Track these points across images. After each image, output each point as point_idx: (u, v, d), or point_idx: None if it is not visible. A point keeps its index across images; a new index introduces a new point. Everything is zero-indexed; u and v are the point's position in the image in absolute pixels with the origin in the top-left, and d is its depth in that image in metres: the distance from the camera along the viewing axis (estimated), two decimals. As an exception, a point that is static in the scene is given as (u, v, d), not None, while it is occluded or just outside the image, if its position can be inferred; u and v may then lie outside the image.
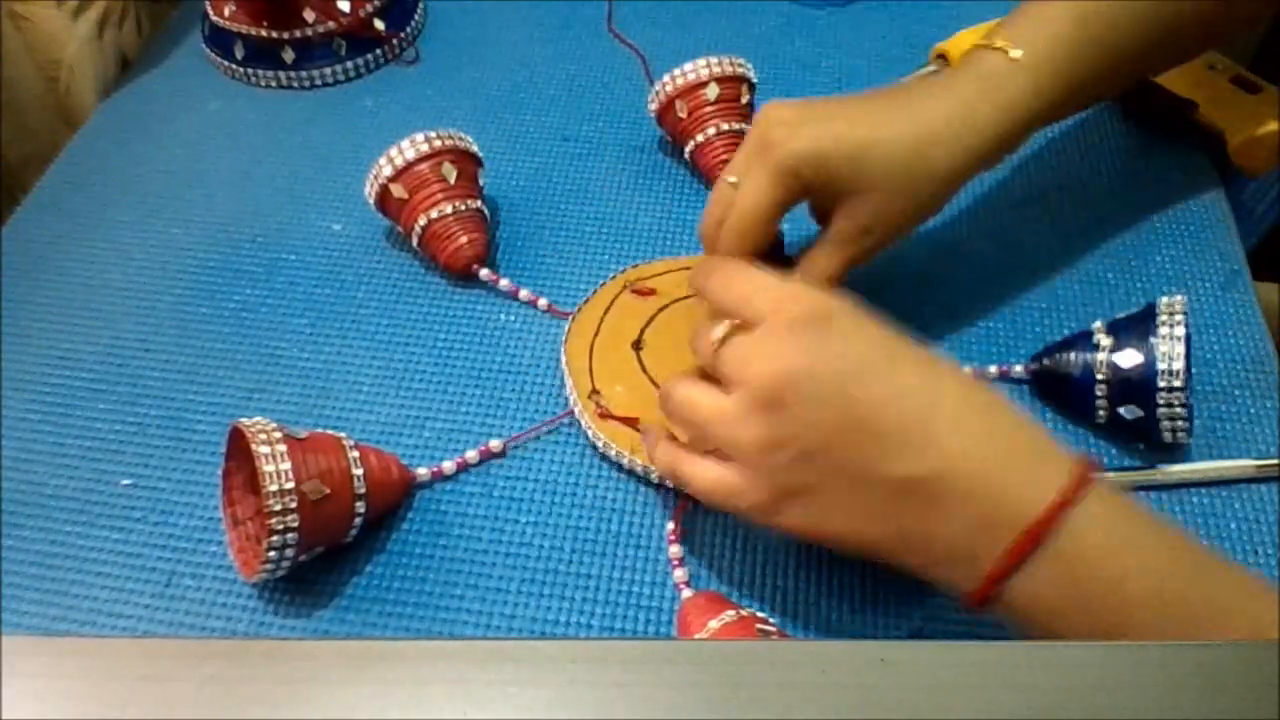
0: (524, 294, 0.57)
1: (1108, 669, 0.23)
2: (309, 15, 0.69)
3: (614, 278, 0.56)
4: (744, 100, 0.61)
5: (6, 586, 0.46)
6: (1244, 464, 0.48)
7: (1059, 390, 0.50)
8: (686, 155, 0.62)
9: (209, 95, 0.70)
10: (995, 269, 0.57)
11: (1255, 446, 0.50)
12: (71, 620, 0.45)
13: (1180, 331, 0.46)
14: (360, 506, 0.45)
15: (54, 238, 0.61)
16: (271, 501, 0.42)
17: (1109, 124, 0.65)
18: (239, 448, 0.45)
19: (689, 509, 0.48)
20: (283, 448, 0.43)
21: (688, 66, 0.60)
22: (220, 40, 0.71)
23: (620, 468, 0.49)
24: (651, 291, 0.55)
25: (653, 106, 0.62)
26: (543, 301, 0.56)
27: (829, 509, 0.39)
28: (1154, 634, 0.35)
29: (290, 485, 0.42)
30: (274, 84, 0.70)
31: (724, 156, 0.60)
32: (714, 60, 0.60)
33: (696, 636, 0.41)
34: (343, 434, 0.47)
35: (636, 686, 0.23)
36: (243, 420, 0.44)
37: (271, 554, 0.42)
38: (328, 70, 0.70)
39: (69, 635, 0.44)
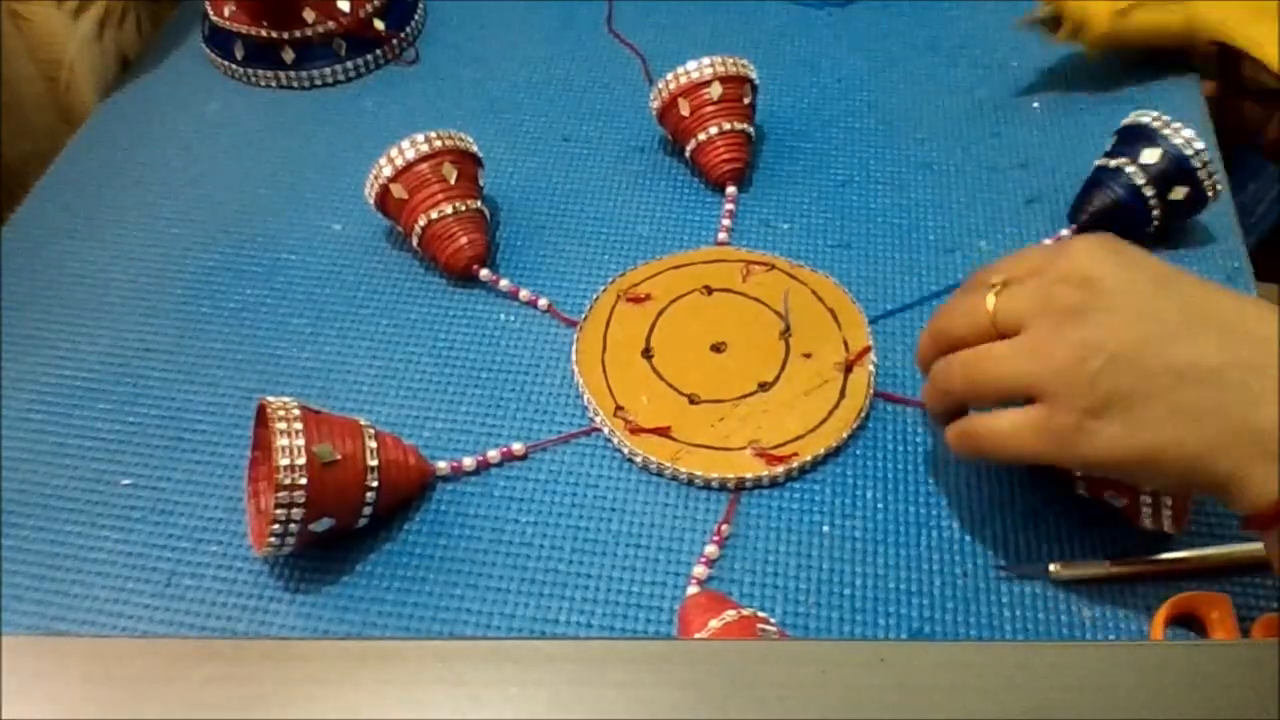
0: (524, 294, 0.57)
1: (1108, 669, 0.23)
2: (309, 15, 0.69)
3: (605, 289, 0.56)
4: (746, 100, 0.61)
5: (6, 586, 0.46)
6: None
7: (1114, 221, 0.56)
8: (687, 154, 0.62)
9: (209, 95, 0.70)
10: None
11: (1255, 446, 0.50)
12: (71, 620, 0.45)
13: (1165, 118, 0.55)
14: (373, 481, 0.45)
15: (54, 237, 0.61)
16: (280, 458, 0.42)
17: (1108, 125, 0.65)
18: (263, 434, 0.45)
19: (737, 509, 0.48)
20: (297, 411, 0.44)
21: (691, 65, 0.60)
22: (220, 40, 0.71)
23: (651, 474, 0.49)
24: (646, 297, 0.55)
25: (655, 104, 0.62)
26: (543, 302, 0.56)
27: (1145, 418, 0.36)
28: None
29: (300, 443, 0.43)
30: (274, 84, 0.70)
31: (725, 155, 0.60)
32: (718, 60, 0.60)
33: (696, 636, 0.41)
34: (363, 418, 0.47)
35: (636, 686, 0.23)
36: (269, 398, 0.45)
37: (279, 513, 0.42)
38: (328, 70, 0.70)
39: (69, 635, 0.44)
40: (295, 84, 0.70)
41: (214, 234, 0.61)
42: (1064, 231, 0.58)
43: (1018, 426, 0.39)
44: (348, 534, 0.46)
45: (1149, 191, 0.55)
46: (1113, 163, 0.56)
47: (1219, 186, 0.55)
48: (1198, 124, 0.61)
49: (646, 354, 0.53)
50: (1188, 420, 0.35)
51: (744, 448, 0.49)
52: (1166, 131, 0.55)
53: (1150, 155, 0.55)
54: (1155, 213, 0.56)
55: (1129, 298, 0.37)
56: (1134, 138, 0.56)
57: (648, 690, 0.23)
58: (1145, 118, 0.56)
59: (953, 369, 0.41)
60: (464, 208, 0.56)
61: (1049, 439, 0.38)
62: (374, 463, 0.45)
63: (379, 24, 0.71)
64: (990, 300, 0.40)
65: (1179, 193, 0.55)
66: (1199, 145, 0.54)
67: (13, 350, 0.55)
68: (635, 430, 0.50)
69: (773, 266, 0.57)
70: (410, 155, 0.55)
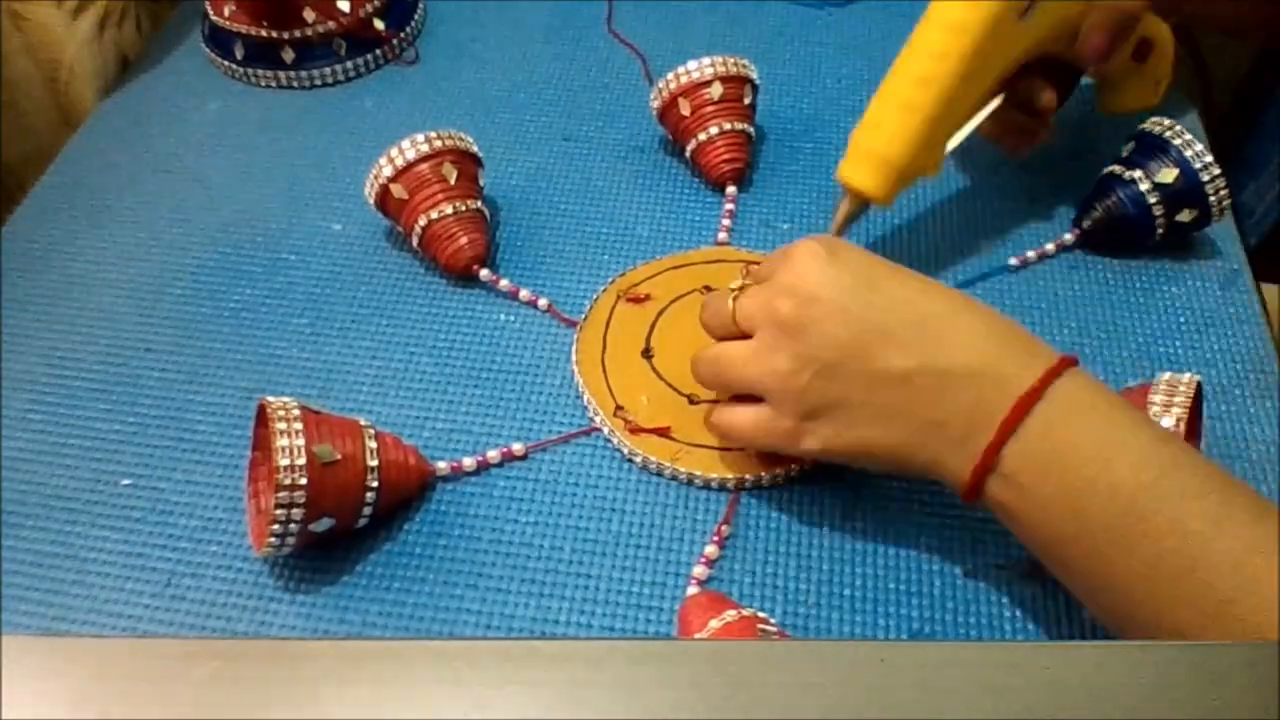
0: (524, 294, 0.57)
1: (1108, 669, 0.23)
2: (309, 15, 0.69)
3: (605, 289, 0.56)
4: (746, 101, 0.61)
5: (6, 586, 0.46)
6: None
7: (1117, 231, 0.57)
8: (687, 154, 0.62)
9: (209, 95, 0.70)
10: (1009, 287, 0.58)
11: (1255, 447, 0.50)
12: (71, 620, 0.45)
13: (1181, 130, 0.55)
14: (373, 481, 0.45)
15: (54, 237, 0.61)
16: (280, 458, 0.42)
17: (1109, 126, 0.65)
18: (263, 434, 0.45)
19: (738, 509, 0.48)
20: (297, 411, 0.44)
21: (692, 65, 0.60)
22: (220, 40, 0.71)
23: (651, 474, 0.49)
24: (646, 297, 0.55)
25: (655, 104, 0.62)
26: (543, 302, 0.56)
27: (851, 419, 0.42)
28: (1137, 487, 0.37)
29: (300, 443, 0.43)
30: (274, 84, 0.70)
31: (725, 155, 0.60)
32: (718, 60, 0.60)
33: (696, 636, 0.41)
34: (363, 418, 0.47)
35: (636, 686, 0.23)
36: (269, 398, 0.45)
37: (279, 513, 0.42)
38: (328, 70, 0.70)
39: (69, 635, 0.44)
40: (295, 84, 0.70)
41: (214, 234, 0.61)
42: (1066, 236, 0.58)
43: (751, 422, 0.45)
44: (348, 534, 0.46)
45: (1158, 210, 0.55)
46: (1126, 174, 0.56)
47: (1225, 206, 0.55)
48: (1194, 127, 0.61)
49: (646, 354, 0.53)
50: (885, 420, 0.41)
51: (744, 448, 0.49)
52: (1184, 148, 0.54)
53: (1166, 175, 0.54)
54: (1159, 231, 0.56)
55: (837, 310, 0.41)
56: (1150, 149, 0.55)
57: (648, 690, 0.23)
58: (1161, 128, 0.56)
59: (703, 363, 0.47)
60: (464, 208, 0.56)
61: (776, 436, 0.44)
62: (374, 463, 0.45)
63: (379, 24, 0.71)
64: (729, 304, 0.45)
65: (1187, 215, 0.55)
66: (1215, 170, 0.54)
67: (12, 350, 0.55)
68: (635, 430, 0.50)
69: (773, 266, 0.57)
70: (410, 155, 0.55)
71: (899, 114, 0.50)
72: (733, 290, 0.45)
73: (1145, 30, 0.55)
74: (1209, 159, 0.54)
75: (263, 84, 0.70)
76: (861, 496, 0.48)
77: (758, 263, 0.57)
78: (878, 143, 0.50)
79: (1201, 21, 0.65)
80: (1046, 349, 0.41)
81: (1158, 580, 0.36)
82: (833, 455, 0.44)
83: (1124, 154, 0.57)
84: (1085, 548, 0.38)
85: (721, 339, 0.46)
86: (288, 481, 0.42)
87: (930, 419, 0.40)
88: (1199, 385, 0.44)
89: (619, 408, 0.50)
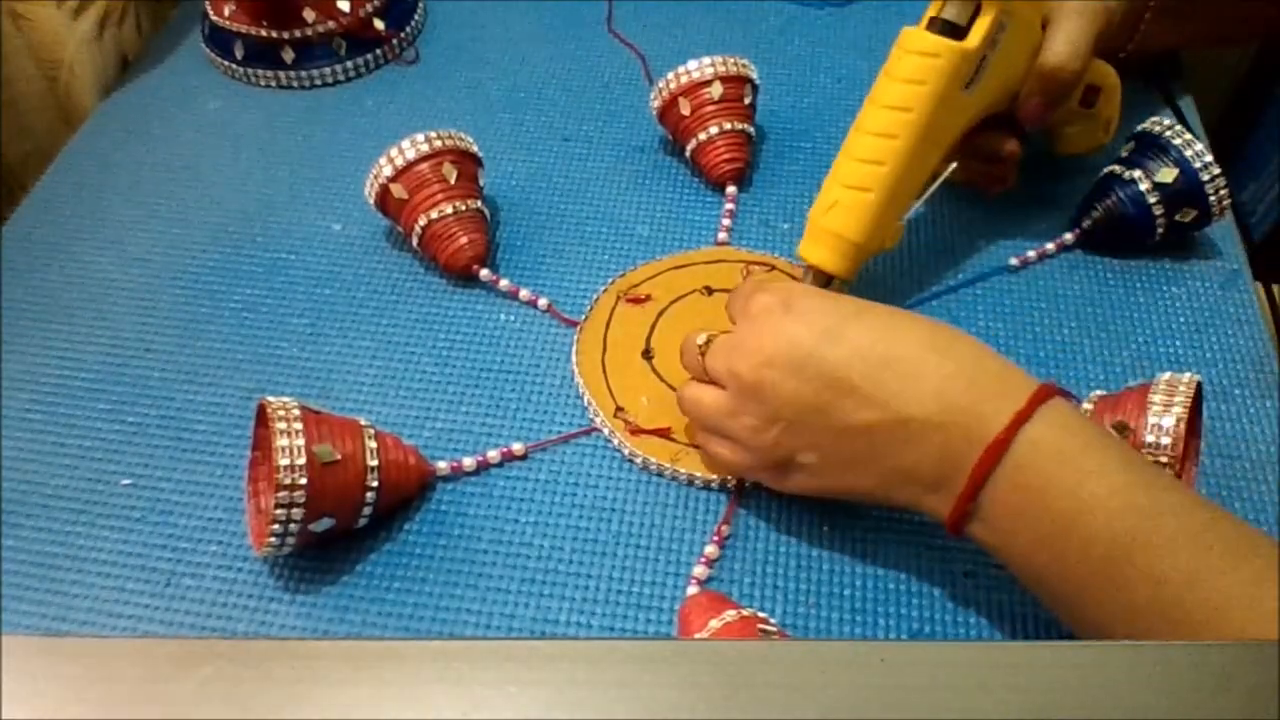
0: (524, 294, 0.57)
1: (1108, 669, 0.23)
2: (309, 15, 0.69)
3: (605, 289, 0.56)
4: (746, 101, 0.61)
5: (6, 586, 0.46)
6: None
7: (1117, 230, 0.57)
8: (688, 154, 0.62)
9: (209, 95, 0.70)
10: (1009, 287, 0.58)
11: (1255, 447, 0.50)
12: (71, 620, 0.45)
13: (1181, 130, 0.55)
14: (373, 481, 0.45)
15: (54, 237, 0.61)
16: (280, 458, 0.42)
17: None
18: (263, 434, 0.45)
19: (738, 510, 0.48)
20: (297, 411, 0.44)
21: (692, 64, 0.60)
22: (220, 40, 0.71)
23: (651, 475, 0.49)
24: (646, 298, 0.55)
25: (655, 104, 0.62)
26: (543, 301, 0.56)
27: (824, 469, 0.43)
28: (1111, 540, 0.36)
29: (300, 443, 0.43)
30: (274, 84, 0.70)
31: (726, 155, 0.60)
32: (719, 59, 0.60)
33: (696, 636, 0.41)
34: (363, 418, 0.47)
35: (636, 686, 0.23)
36: (269, 398, 0.45)
37: (279, 513, 0.42)
38: (328, 70, 0.70)
39: (69, 635, 0.44)
40: (295, 84, 0.70)
41: (214, 234, 0.61)
42: (1066, 236, 0.58)
43: (733, 463, 0.46)
44: (348, 534, 0.46)
45: (1158, 210, 0.55)
46: (1126, 174, 0.56)
47: (1225, 205, 0.55)
48: (1194, 127, 0.61)
49: (646, 355, 0.53)
50: (857, 469, 0.42)
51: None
52: (1184, 148, 0.54)
53: (1166, 175, 0.54)
54: (1159, 231, 0.56)
55: (793, 370, 0.41)
56: (1150, 149, 0.55)
57: (648, 690, 0.23)
58: (1161, 128, 0.56)
59: (684, 400, 0.47)
60: (464, 208, 0.56)
61: (757, 476, 0.46)
62: (374, 463, 0.45)
63: (379, 24, 0.71)
64: (699, 359, 0.46)
65: (1188, 214, 0.55)
66: (1215, 169, 0.54)
67: (13, 350, 0.55)
68: (635, 431, 0.50)
69: (773, 267, 0.57)
70: (410, 155, 0.55)
71: (853, 194, 0.50)
72: (700, 345, 0.46)
73: (1091, 77, 0.55)
74: (1209, 159, 0.54)
75: (263, 84, 0.70)
76: (861, 496, 0.48)
77: (759, 263, 0.57)
78: (834, 222, 0.51)
79: (1180, 44, 0.65)
80: (1019, 384, 0.39)
81: (1136, 626, 0.36)
82: (813, 495, 0.45)
83: (1124, 154, 0.57)
84: (1065, 590, 0.38)
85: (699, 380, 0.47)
86: (288, 481, 0.42)
87: (900, 467, 0.41)
88: (1199, 385, 0.44)
89: (619, 408, 0.50)
